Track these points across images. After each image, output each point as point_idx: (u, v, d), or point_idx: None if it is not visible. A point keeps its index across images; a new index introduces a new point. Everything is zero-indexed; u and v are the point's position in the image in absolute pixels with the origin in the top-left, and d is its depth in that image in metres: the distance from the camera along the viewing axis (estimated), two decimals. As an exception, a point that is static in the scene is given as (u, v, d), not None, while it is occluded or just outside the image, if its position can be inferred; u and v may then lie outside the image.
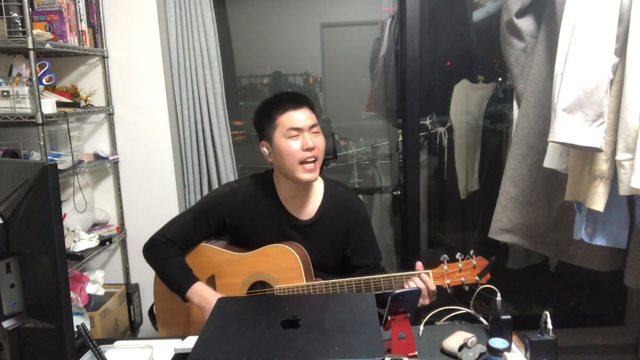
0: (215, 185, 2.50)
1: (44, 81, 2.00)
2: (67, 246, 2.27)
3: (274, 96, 1.60)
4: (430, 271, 1.44)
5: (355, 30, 3.14)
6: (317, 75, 3.12)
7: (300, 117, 1.52)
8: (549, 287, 2.92)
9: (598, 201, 1.48)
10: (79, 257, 2.19)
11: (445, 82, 2.99)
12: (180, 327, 1.63)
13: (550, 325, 1.24)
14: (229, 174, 2.50)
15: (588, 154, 1.52)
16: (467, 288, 1.44)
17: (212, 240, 1.68)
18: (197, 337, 1.10)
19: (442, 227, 3.21)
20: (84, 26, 2.34)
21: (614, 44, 1.38)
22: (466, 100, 2.92)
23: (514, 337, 1.35)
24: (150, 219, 2.14)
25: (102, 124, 2.54)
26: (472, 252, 1.43)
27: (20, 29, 1.90)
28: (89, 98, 2.40)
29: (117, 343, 1.35)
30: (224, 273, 1.59)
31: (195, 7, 2.37)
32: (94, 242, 2.38)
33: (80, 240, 2.33)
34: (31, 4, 2.06)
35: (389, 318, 1.27)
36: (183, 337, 1.36)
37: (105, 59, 2.47)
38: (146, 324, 2.64)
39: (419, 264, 1.46)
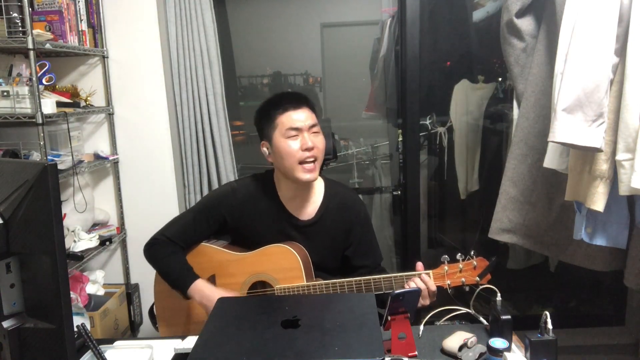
0: (215, 185, 2.49)
1: (44, 81, 2.00)
2: (67, 246, 2.27)
3: (274, 96, 1.60)
4: (430, 271, 1.44)
5: (355, 30, 3.13)
6: (317, 75, 3.12)
7: (300, 117, 1.52)
8: (549, 287, 2.91)
9: (598, 201, 1.48)
10: (79, 257, 2.19)
11: (445, 82, 2.99)
12: (180, 326, 1.63)
13: (550, 325, 1.24)
14: (229, 174, 2.50)
15: (588, 154, 1.52)
16: (467, 288, 1.44)
17: (212, 240, 1.68)
18: (197, 337, 1.10)
19: (442, 227, 3.21)
20: (84, 26, 2.34)
21: (614, 44, 1.38)
22: (466, 100, 2.92)
23: (514, 337, 1.35)
24: (150, 219, 2.14)
25: (102, 124, 2.54)
26: (472, 252, 1.43)
27: (20, 29, 1.90)
28: (89, 98, 2.40)
29: (117, 343, 1.35)
30: (224, 273, 1.59)
31: (195, 7, 2.37)
32: (94, 242, 2.38)
33: (80, 240, 2.34)
34: (31, 4, 2.06)
35: (389, 318, 1.27)
36: (183, 337, 1.36)
37: (105, 59, 2.47)
38: (146, 324, 2.63)
39: (419, 265, 1.46)
